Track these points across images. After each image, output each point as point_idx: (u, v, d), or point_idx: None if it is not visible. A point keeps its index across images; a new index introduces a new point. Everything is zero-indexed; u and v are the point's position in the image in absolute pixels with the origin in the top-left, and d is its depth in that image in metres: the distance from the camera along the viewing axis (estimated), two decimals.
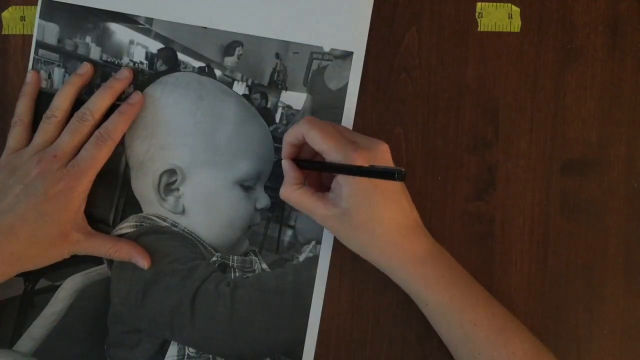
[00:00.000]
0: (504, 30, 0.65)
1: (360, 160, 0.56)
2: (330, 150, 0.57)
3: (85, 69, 0.66)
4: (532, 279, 0.65)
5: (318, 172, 0.64)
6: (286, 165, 0.61)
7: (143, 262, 0.64)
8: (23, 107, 0.65)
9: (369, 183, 0.57)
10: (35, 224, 0.59)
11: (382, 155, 0.59)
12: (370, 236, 0.59)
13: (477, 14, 0.65)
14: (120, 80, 0.65)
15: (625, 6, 0.64)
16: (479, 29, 0.65)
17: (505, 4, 0.65)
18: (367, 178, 0.56)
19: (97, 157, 0.62)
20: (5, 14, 0.67)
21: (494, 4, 0.65)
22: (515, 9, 0.65)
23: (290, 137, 0.60)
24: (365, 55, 0.66)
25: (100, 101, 0.64)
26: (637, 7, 0.64)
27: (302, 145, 0.61)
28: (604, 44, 0.64)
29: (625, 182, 0.65)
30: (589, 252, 0.65)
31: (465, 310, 0.58)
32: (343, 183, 0.58)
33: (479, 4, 0.65)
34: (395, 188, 0.59)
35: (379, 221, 0.58)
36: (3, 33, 0.68)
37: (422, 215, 0.65)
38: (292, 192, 0.60)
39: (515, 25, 0.65)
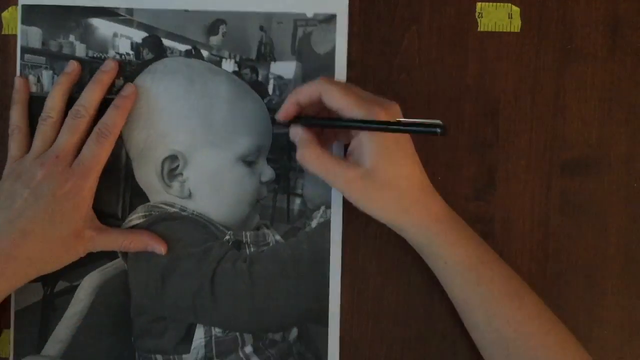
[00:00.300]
0: (504, 30, 0.65)
1: (385, 115, 0.55)
2: (351, 106, 0.56)
3: (72, 67, 0.66)
4: (532, 279, 0.65)
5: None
6: (297, 129, 0.60)
7: (160, 248, 0.64)
8: (17, 115, 0.65)
9: (392, 140, 0.57)
10: (47, 226, 0.59)
11: (398, 115, 0.58)
12: (394, 194, 0.58)
13: (477, 14, 0.65)
14: (107, 72, 0.65)
15: (625, 6, 0.64)
16: (479, 29, 0.66)
17: (505, 4, 0.65)
18: (389, 135, 0.56)
19: (100, 153, 0.62)
20: (5, 14, 0.67)
21: (494, 4, 0.65)
22: (515, 9, 0.65)
23: (302, 96, 0.59)
24: (350, 25, 0.66)
25: (91, 95, 0.63)
26: (637, 7, 0.64)
27: (305, 106, 0.60)
28: (604, 44, 0.65)
29: (625, 182, 0.65)
30: (589, 252, 0.65)
31: (481, 268, 0.59)
32: (366, 140, 0.57)
33: (479, 4, 0.65)
34: (411, 147, 0.59)
35: (403, 179, 0.58)
36: (3, 33, 0.67)
37: None
38: (313, 153, 0.58)
39: (515, 25, 0.65)
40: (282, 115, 0.60)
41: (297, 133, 0.60)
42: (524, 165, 0.65)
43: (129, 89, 0.65)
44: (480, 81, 0.65)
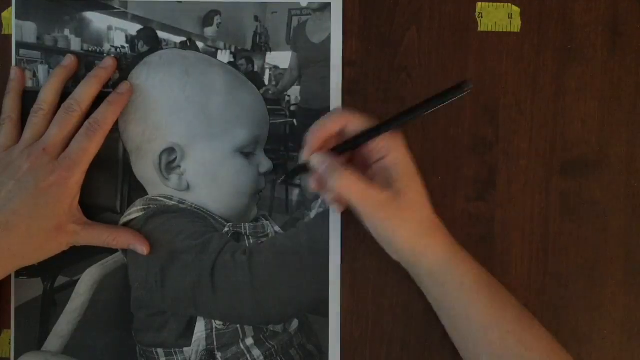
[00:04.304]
0: (504, 30, 0.65)
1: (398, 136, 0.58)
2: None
3: (69, 60, 0.66)
4: (532, 279, 0.65)
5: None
6: (320, 157, 0.59)
7: (142, 249, 0.64)
8: (10, 104, 0.65)
9: (413, 163, 0.58)
10: (29, 218, 0.59)
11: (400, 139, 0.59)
12: (421, 216, 0.58)
13: (477, 14, 0.65)
14: (105, 69, 0.65)
15: (625, 6, 0.64)
16: (479, 29, 0.66)
17: (505, 4, 0.65)
18: (411, 158, 0.58)
19: (88, 148, 0.62)
20: (5, 13, 0.67)
21: (494, 4, 0.65)
22: (515, 9, 0.65)
23: (325, 131, 0.59)
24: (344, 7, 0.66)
25: (86, 91, 0.63)
26: (637, 7, 0.64)
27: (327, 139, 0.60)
28: (604, 44, 0.65)
29: (625, 182, 0.65)
30: (589, 252, 0.65)
31: (493, 288, 0.59)
32: (393, 163, 0.57)
33: (479, 4, 0.65)
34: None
35: (424, 201, 0.59)
36: (3, 33, 0.67)
37: None
38: (352, 177, 0.57)
39: (515, 25, 0.65)
40: (307, 153, 0.60)
41: (322, 162, 0.58)
42: (524, 165, 0.65)
43: (124, 86, 0.65)
44: (480, 81, 0.65)
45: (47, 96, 0.63)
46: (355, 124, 0.58)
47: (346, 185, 0.57)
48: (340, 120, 0.59)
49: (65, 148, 0.62)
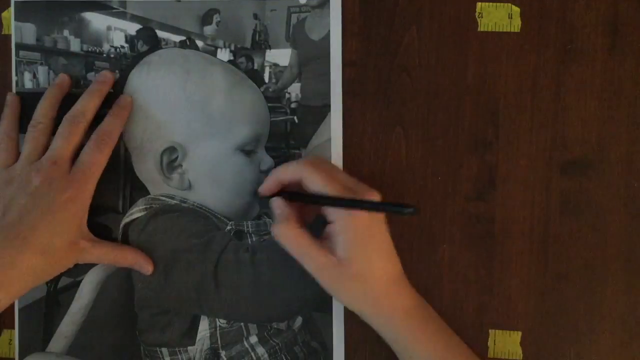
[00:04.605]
0: (504, 30, 0.65)
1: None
2: (333, 194, 0.56)
3: (62, 79, 0.65)
4: (532, 279, 0.65)
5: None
6: (278, 202, 0.59)
7: (147, 268, 0.65)
8: (6, 126, 0.64)
9: (366, 233, 0.56)
10: (47, 234, 0.58)
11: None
12: (364, 287, 0.57)
13: (477, 14, 0.65)
14: (103, 83, 0.65)
15: (625, 6, 0.64)
16: (479, 29, 0.65)
17: (505, 4, 0.65)
18: (363, 227, 0.56)
19: (99, 160, 0.61)
20: (5, 14, 0.67)
21: (494, 4, 0.65)
22: (515, 9, 0.65)
23: (283, 176, 0.59)
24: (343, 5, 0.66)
25: (88, 103, 0.63)
26: (637, 7, 0.64)
27: (288, 184, 0.60)
28: (604, 44, 0.64)
29: (625, 182, 0.65)
30: (589, 252, 0.65)
31: None
32: (341, 230, 0.56)
33: (479, 4, 0.65)
34: (386, 238, 0.58)
35: (374, 272, 0.57)
36: (3, 33, 0.68)
37: (422, 215, 0.65)
38: (291, 230, 0.57)
39: (515, 25, 0.65)
40: (264, 190, 0.60)
41: (277, 206, 0.59)
42: (524, 165, 0.65)
43: (124, 100, 0.65)
44: (480, 81, 0.65)
45: (46, 110, 0.63)
46: (310, 182, 0.57)
47: (289, 240, 0.57)
48: (298, 174, 0.58)
49: (72, 161, 0.61)
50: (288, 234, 0.57)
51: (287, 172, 0.59)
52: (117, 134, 0.64)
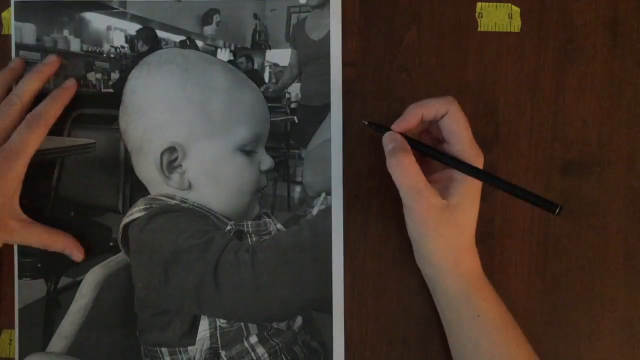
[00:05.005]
0: (504, 30, 0.65)
1: (482, 164, 0.57)
2: (466, 139, 0.57)
3: (16, 62, 0.66)
4: (532, 279, 0.65)
5: None
6: (394, 135, 0.58)
7: (78, 255, 0.65)
8: None
9: (477, 187, 0.58)
10: None
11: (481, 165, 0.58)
12: (459, 236, 0.58)
13: (477, 14, 0.65)
14: (48, 65, 0.65)
15: (625, 6, 0.64)
16: (479, 29, 0.65)
17: (505, 4, 0.65)
18: (479, 184, 0.57)
19: (28, 139, 0.61)
20: (4, 13, 0.67)
21: (494, 4, 0.65)
22: (515, 9, 0.65)
23: (428, 110, 0.57)
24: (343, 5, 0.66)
25: (27, 86, 0.63)
26: (637, 7, 0.64)
27: (422, 122, 0.59)
28: (604, 44, 0.64)
29: (625, 182, 0.65)
30: (589, 252, 0.65)
31: (510, 329, 0.58)
32: (461, 179, 0.57)
33: (479, 4, 0.65)
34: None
35: (471, 225, 0.58)
36: (3, 33, 0.68)
37: None
38: (410, 162, 0.56)
39: (515, 25, 0.65)
40: (402, 126, 0.58)
41: (393, 139, 0.57)
42: (524, 165, 0.65)
43: (69, 82, 0.65)
44: (480, 81, 0.65)
45: (24, 90, 0.63)
46: (455, 118, 0.57)
47: (405, 169, 0.56)
48: (447, 106, 0.57)
49: (4, 141, 0.61)
50: (406, 165, 0.56)
51: (433, 105, 0.57)
52: (54, 116, 0.63)
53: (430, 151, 0.58)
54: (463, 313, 0.59)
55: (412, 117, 0.57)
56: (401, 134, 0.58)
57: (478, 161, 0.57)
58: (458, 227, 0.57)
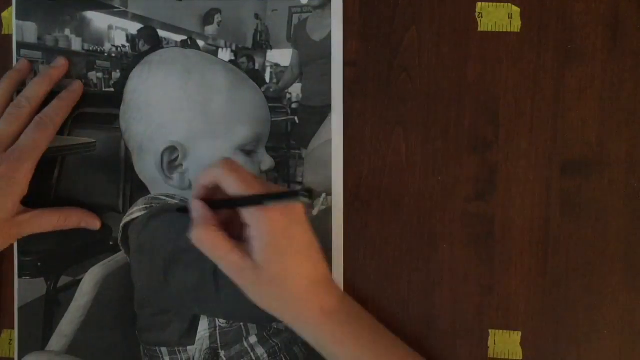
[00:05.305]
0: (504, 30, 0.65)
1: (274, 210, 0.55)
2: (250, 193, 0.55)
3: (22, 64, 0.66)
4: (532, 279, 0.65)
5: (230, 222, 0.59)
6: (197, 204, 0.57)
7: (95, 223, 0.66)
8: None
9: (282, 235, 0.55)
10: None
11: (296, 206, 0.56)
12: (280, 291, 0.57)
13: (477, 14, 0.65)
14: (57, 68, 0.66)
15: (625, 6, 0.64)
16: (479, 29, 0.65)
17: (505, 4, 0.65)
18: (279, 231, 0.55)
19: (37, 141, 0.62)
20: (5, 13, 0.68)
21: (494, 4, 0.65)
22: (515, 9, 0.65)
23: (204, 181, 0.58)
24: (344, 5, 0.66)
25: (36, 89, 0.64)
26: (637, 7, 0.64)
27: (215, 189, 0.58)
28: (604, 44, 0.64)
29: (625, 182, 0.64)
30: (589, 252, 0.65)
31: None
32: (256, 234, 0.55)
33: (479, 4, 0.65)
34: (306, 240, 0.57)
35: (290, 276, 0.56)
36: (3, 33, 0.68)
37: (422, 215, 0.65)
38: (208, 234, 0.56)
39: (515, 25, 0.65)
40: (193, 196, 0.59)
41: (194, 209, 0.58)
42: (524, 165, 0.65)
43: (76, 84, 0.66)
44: (480, 81, 0.65)
45: (32, 94, 0.64)
46: (225, 182, 0.56)
47: (203, 242, 0.56)
48: (213, 177, 0.57)
49: (13, 143, 0.62)
50: (203, 237, 0.56)
51: (206, 177, 0.57)
52: (62, 118, 0.64)
53: (221, 204, 0.58)
54: (324, 356, 0.59)
55: (199, 188, 0.58)
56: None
57: (259, 215, 0.55)
58: (275, 282, 0.56)
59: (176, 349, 0.66)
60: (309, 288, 0.57)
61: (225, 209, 0.58)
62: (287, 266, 0.56)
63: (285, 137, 0.67)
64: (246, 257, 0.55)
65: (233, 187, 0.55)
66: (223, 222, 0.57)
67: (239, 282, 0.57)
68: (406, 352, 0.61)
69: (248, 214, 0.55)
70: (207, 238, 0.56)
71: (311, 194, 0.52)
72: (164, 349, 0.66)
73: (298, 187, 0.65)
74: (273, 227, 0.55)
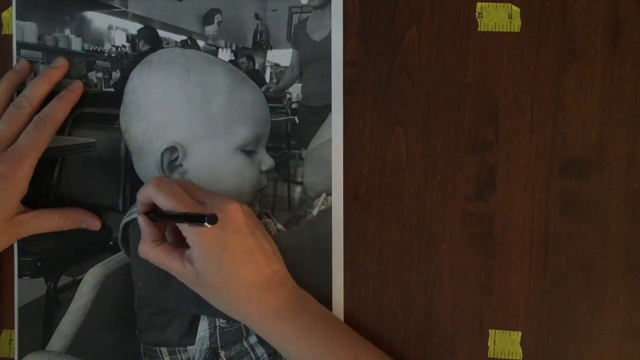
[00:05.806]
0: (504, 30, 0.65)
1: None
2: (179, 209, 0.57)
3: (22, 64, 0.66)
4: (532, 279, 0.65)
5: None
6: (141, 220, 0.61)
7: (95, 224, 0.66)
8: None
9: (215, 245, 0.57)
10: None
11: (232, 214, 0.58)
12: (224, 296, 0.59)
13: (477, 14, 0.65)
14: (57, 68, 0.66)
15: (625, 6, 0.64)
16: (479, 29, 0.65)
17: (505, 4, 0.65)
18: (212, 239, 0.57)
19: (37, 140, 0.62)
20: (5, 13, 0.68)
21: (494, 4, 0.65)
22: (515, 9, 0.65)
23: (141, 197, 0.60)
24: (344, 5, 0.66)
25: (36, 88, 0.64)
26: (637, 7, 0.64)
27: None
28: (604, 44, 0.64)
29: (625, 182, 0.64)
30: (589, 252, 0.65)
31: (326, 357, 0.59)
32: (193, 246, 0.58)
33: (479, 4, 0.65)
34: (246, 246, 0.59)
35: (230, 281, 0.58)
36: (3, 33, 0.68)
37: (422, 215, 0.65)
38: (150, 249, 0.60)
39: (515, 25, 0.65)
40: (138, 212, 0.62)
41: (140, 225, 0.61)
42: (524, 165, 0.65)
43: (76, 84, 0.66)
44: (480, 81, 0.65)
45: (32, 94, 0.64)
46: (156, 200, 0.58)
47: (147, 255, 0.60)
48: (144, 194, 0.60)
49: (12, 143, 0.62)
50: (147, 252, 0.60)
51: (141, 194, 0.60)
52: (61, 117, 0.64)
53: (159, 217, 0.61)
54: (280, 353, 0.62)
55: (139, 204, 0.61)
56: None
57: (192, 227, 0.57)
58: (215, 288, 0.59)
59: (176, 349, 0.66)
60: (251, 291, 0.59)
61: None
62: (225, 273, 0.58)
63: (285, 137, 0.67)
64: (187, 265, 0.58)
65: (163, 203, 0.58)
66: (173, 228, 0.61)
67: (190, 287, 0.60)
68: (361, 346, 0.61)
69: (183, 226, 0.58)
70: (149, 251, 0.60)
71: (214, 221, 0.53)
72: (164, 349, 0.66)
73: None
74: (205, 237, 0.57)
